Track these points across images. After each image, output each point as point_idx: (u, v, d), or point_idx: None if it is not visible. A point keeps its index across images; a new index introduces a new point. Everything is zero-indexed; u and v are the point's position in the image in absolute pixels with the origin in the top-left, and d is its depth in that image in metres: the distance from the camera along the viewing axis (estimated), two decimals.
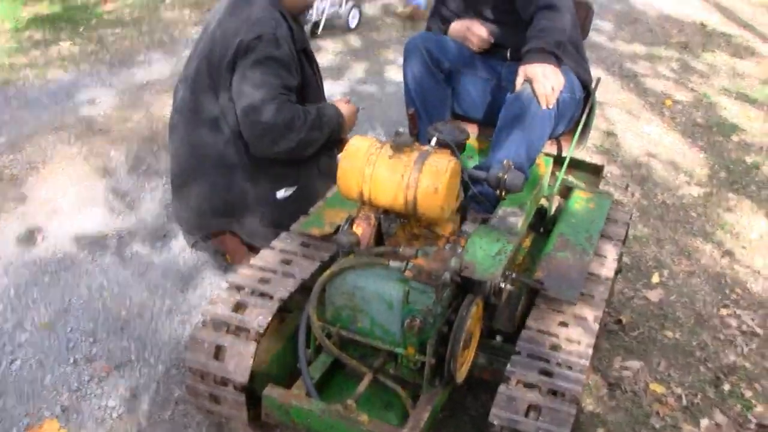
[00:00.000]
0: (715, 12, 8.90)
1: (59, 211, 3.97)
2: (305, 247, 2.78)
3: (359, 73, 6.08)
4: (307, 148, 3.18)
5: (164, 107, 5.06)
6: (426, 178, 2.37)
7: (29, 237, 3.75)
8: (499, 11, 3.30)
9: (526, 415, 2.15)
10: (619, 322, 3.46)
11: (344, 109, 3.33)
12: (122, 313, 3.31)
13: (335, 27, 6.79)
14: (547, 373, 2.26)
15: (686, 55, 7.27)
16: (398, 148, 2.43)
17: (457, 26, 3.41)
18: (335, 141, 3.32)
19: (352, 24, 6.79)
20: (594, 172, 3.56)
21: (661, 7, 8.80)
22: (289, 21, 3.18)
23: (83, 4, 6.96)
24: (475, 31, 3.33)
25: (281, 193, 3.25)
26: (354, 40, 6.76)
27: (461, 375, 2.44)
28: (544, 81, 2.91)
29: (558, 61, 2.99)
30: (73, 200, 4.06)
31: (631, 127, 5.53)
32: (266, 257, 2.73)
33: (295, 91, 3.16)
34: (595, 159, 4.84)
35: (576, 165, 3.56)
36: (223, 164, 3.21)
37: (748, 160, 5.21)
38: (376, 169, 2.43)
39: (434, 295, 2.29)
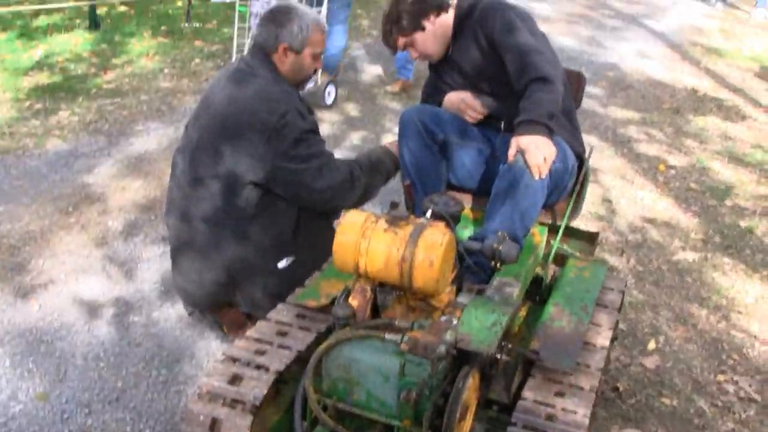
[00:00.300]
0: (705, 77, 9.02)
1: (56, 280, 3.98)
2: (301, 318, 2.78)
3: (356, 141, 6.14)
4: (372, 192, 3.42)
5: (162, 176, 5.12)
6: (421, 252, 2.39)
7: (26, 306, 3.75)
8: (493, 83, 3.35)
9: None
10: (616, 389, 3.45)
11: (391, 147, 3.54)
12: (118, 384, 3.30)
13: (311, 103, 6.85)
14: None
15: (678, 119, 7.36)
16: (393, 221, 2.46)
17: (452, 98, 3.45)
18: (333, 210, 3.39)
19: (328, 101, 6.73)
20: (589, 240, 3.58)
21: (652, 74, 8.93)
22: (296, 94, 3.28)
23: (83, 74, 7.05)
24: (469, 103, 3.38)
25: (282, 264, 3.25)
26: (352, 109, 6.84)
27: None
28: (535, 152, 2.94)
29: (550, 132, 3.02)
30: (69, 269, 4.08)
31: (625, 193, 5.58)
32: (262, 329, 2.73)
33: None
34: (591, 226, 4.88)
35: (571, 233, 3.58)
36: (222, 237, 3.22)
37: (742, 224, 5.25)
38: (371, 243, 2.45)
39: (430, 367, 2.29)
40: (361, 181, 3.29)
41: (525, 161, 2.97)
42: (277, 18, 3.26)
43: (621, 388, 3.46)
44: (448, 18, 3.37)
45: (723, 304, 4.27)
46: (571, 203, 3.39)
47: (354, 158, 3.35)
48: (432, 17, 3.32)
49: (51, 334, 3.58)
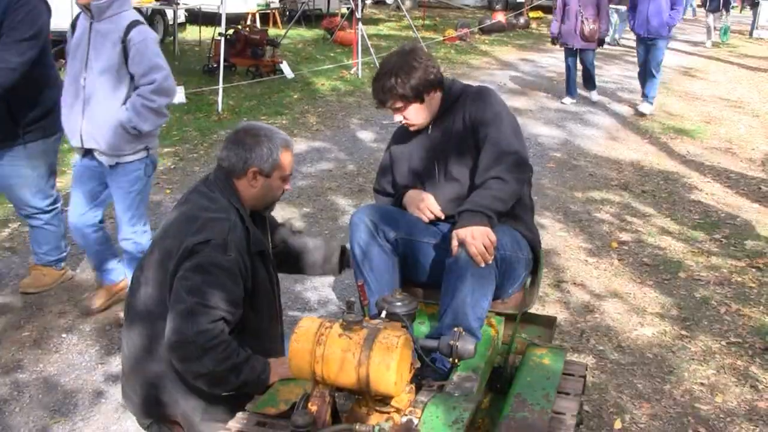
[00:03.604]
0: (652, 152, 9.24)
1: None
2: (261, 426, 2.71)
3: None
4: (216, 384, 2.92)
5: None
6: (377, 356, 2.36)
7: None
8: (461, 167, 3.38)
9: None
10: None
11: (279, 370, 2.99)
12: None
13: None
14: None
15: (627, 195, 7.49)
16: (348, 326, 2.43)
17: (413, 195, 3.47)
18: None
19: None
20: (547, 324, 3.59)
21: (598, 151, 9.14)
22: (246, 222, 3.08)
23: None
24: (429, 205, 3.40)
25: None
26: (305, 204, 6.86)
27: None
28: (473, 242, 2.96)
29: (489, 221, 3.05)
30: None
31: (579, 273, 5.62)
32: None
33: (240, 303, 2.98)
34: (548, 308, 4.90)
35: (529, 319, 3.59)
36: (161, 356, 3.03)
37: (698, 295, 5.31)
38: (327, 349, 2.41)
39: None
40: (215, 364, 2.84)
41: (467, 252, 2.99)
42: (245, 141, 3.10)
43: None
44: (439, 95, 3.42)
45: (685, 377, 4.28)
46: (531, 291, 3.42)
47: (238, 347, 2.92)
48: (432, 92, 3.37)
49: None
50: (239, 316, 2.97)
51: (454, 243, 3.04)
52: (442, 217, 3.41)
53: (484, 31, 20.58)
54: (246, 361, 2.93)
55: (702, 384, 4.22)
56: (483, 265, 2.99)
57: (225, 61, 11.06)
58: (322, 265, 3.67)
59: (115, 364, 4.13)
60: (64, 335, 4.50)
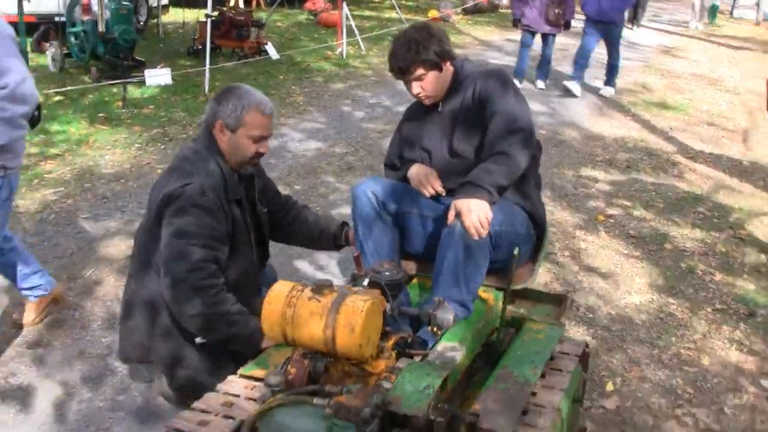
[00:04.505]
0: (635, 129, 9.39)
1: None
2: (249, 389, 2.81)
3: None
4: (206, 330, 3.08)
5: (114, 261, 5.16)
6: (342, 318, 2.44)
7: None
8: (469, 145, 3.48)
9: None
10: (583, 430, 3.54)
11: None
12: None
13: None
14: None
15: (612, 171, 7.63)
16: (318, 290, 2.53)
17: (418, 170, 3.55)
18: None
19: None
20: (557, 303, 3.69)
21: (583, 129, 9.27)
22: (225, 172, 3.22)
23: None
24: (431, 181, 3.49)
25: (198, 339, 3.21)
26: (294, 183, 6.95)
27: None
28: (469, 214, 3.06)
29: (489, 196, 3.15)
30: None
31: (568, 246, 5.75)
32: (209, 400, 2.76)
33: (225, 239, 3.14)
34: (538, 280, 5.01)
35: (538, 298, 3.71)
36: (152, 304, 3.21)
37: (683, 265, 5.45)
38: (296, 311, 2.51)
39: (356, 430, 2.33)
40: (206, 307, 3.01)
41: (462, 224, 3.10)
42: (219, 96, 3.28)
43: (587, 431, 3.56)
44: (452, 70, 3.51)
45: (672, 342, 4.42)
46: (530, 266, 3.52)
47: (231, 297, 3.10)
48: (447, 63, 3.47)
49: None
50: (227, 254, 3.13)
51: (451, 213, 3.14)
52: (443, 193, 3.49)
53: (467, 11, 20.64)
54: (239, 314, 3.07)
55: (689, 348, 4.36)
56: (477, 238, 3.09)
57: (210, 42, 11.10)
58: (319, 238, 3.78)
59: None
60: None
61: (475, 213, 3.06)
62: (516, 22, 11.25)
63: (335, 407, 2.34)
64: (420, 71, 3.42)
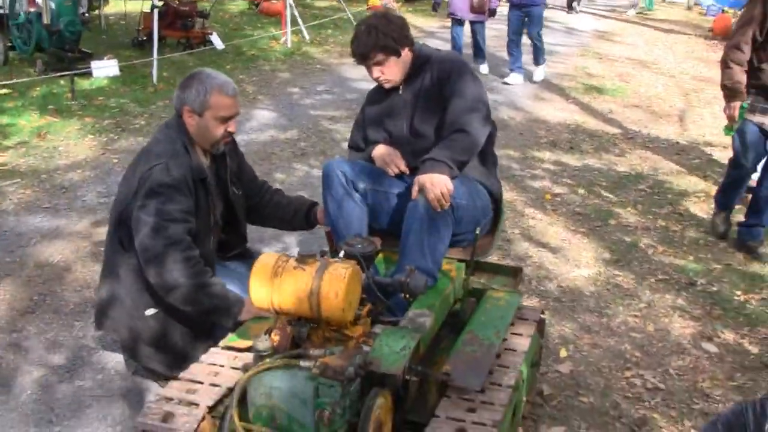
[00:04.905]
0: (576, 111, 9.69)
1: None
2: (233, 359, 3.01)
3: None
4: (187, 301, 3.26)
5: (78, 249, 5.26)
6: (326, 285, 2.65)
7: None
8: (429, 126, 3.70)
9: None
10: (540, 393, 3.78)
11: (253, 309, 3.13)
12: None
13: None
14: None
15: (557, 152, 7.90)
16: (302, 260, 2.74)
17: (381, 150, 3.77)
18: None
19: None
20: (513, 274, 3.94)
21: (527, 111, 9.55)
22: (191, 153, 3.42)
23: None
24: (395, 160, 3.71)
25: (149, 312, 3.43)
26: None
27: None
28: (431, 188, 3.29)
29: (450, 170, 3.38)
30: None
31: (517, 223, 5.99)
32: (194, 370, 2.96)
33: (193, 212, 3.35)
34: (490, 257, 5.25)
35: (496, 270, 3.96)
36: (107, 268, 3.55)
37: (627, 239, 5.73)
38: (282, 280, 2.71)
39: (341, 388, 2.54)
40: (186, 278, 3.20)
41: (425, 197, 3.31)
42: (183, 82, 3.48)
43: (544, 393, 3.80)
44: (410, 55, 3.72)
45: (620, 311, 4.69)
46: (490, 238, 3.75)
47: (208, 271, 3.32)
48: (407, 49, 3.67)
49: None
50: (195, 227, 3.34)
51: (415, 188, 3.36)
52: (407, 171, 3.71)
53: (407, 0, 20.81)
54: (218, 286, 3.27)
55: (635, 316, 4.63)
56: (439, 210, 3.31)
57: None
58: (292, 219, 3.97)
59: None
60: None
61: (437, 186, 3.28)
62: (435, 7, 11.37)
63: (321, 368, 2.54)
64: (380, 56, 3.62)
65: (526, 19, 10.87)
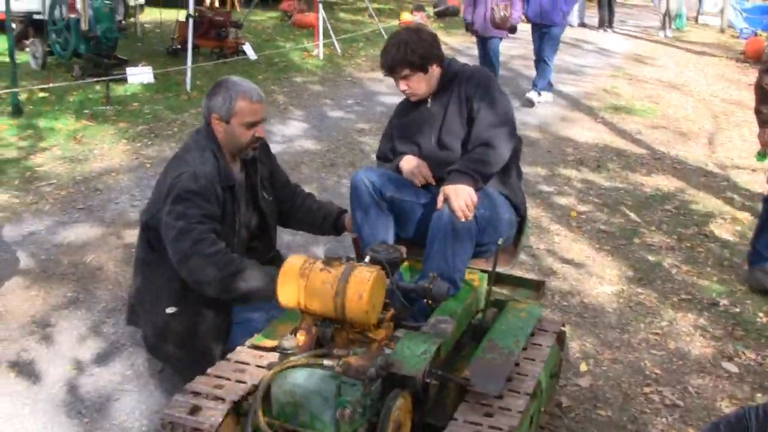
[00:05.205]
0: (604, 131, 9.74)
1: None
2: (258, 358, 3.11)
3: None
4: (226, 291, 3.35)
5: (112, 250, 5.38)
6: (351, 287, 2.76)
7: None
8: (455, 140, 3.81)
9: None
10: (559, 405, 3.84)
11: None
12: None
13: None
14: None
15: (583, 170, 7.95)
16: (328, 262, 2.85)
17: (410, 161, 3.86)
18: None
19: None
20: (536, 288, 4.01)
21: (555, 131, 9.59)
22: (219, 159, 3.54)
23: (13, 159, 7.23)
24: (423, 172, 3.82)
25: (170, 310, 3.54)
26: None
27: None
28: (456, 198, 3.40)
29: (474, 182, 3.48)
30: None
31: (542, 239, 6.05)
32: (221, 367, 3.05)
33: (218, 218, 3.47)
34: (514, 271, 5.31)
35: (519, 283, 4.04)
36: (137, 267, 3.75)
37: (651, 258, 5.77)
38: (309, 281, 2.82)
39: (362, 388, 2.62)
40: (218, 271, 3.30)
41: (449, 207, 3.39)
42: (211, 91, 3.62)
43: (563, 405, 3.85)
44: (439, 71, 3.83)
45: (641, 328, 4.73)
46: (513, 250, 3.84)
47: (238, 255, 3.43)
48: (435, 65, 3.78)
49: None
50: (221, 231, 3.46)
51: (440, 198, 3.46)
52: (433, 182, 3.80)
53: (438, 15, 20.93)
54: (250, 269, 3.37)
55: (657, 334, 4.68)
56: (463, 220, 3.40)
57: None
58: (321, 224, 4.07)
59: None
60: None
61: (462, 197, 3.38)
62: (468, 26, 10.78)
63: (344, 367, 2.63)
64: (406, 71, 3.74)
65: (543, 38, 10.73)
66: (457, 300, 3.42)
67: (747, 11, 21.18)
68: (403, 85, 3.80)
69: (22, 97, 9.17)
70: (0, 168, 6.96)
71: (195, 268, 3.32)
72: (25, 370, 3.99)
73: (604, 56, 16.16)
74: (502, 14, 10.19)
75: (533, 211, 6.63)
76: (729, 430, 2.40)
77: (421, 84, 3.78)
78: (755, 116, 5.20)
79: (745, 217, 6.79)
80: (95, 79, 10.14)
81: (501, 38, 10.65)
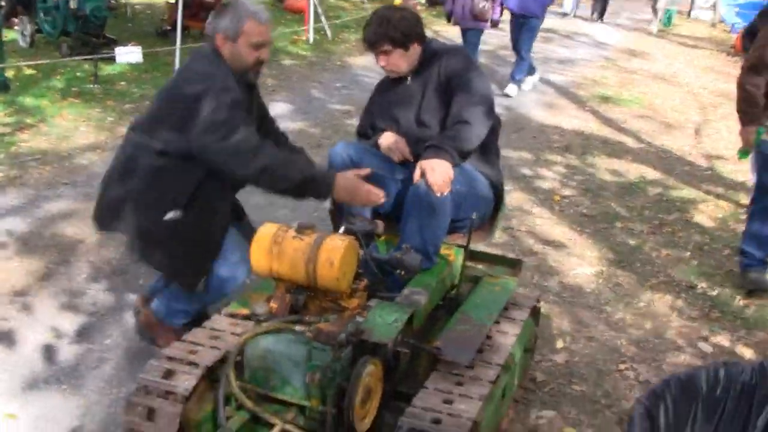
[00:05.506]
0: (591, 119, 9.78)
1: None
2: (233, 326, 3.14)
3: None
4: (280, 179, 3.38)
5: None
6: (323, 253, 2.80)
7: None
8: (434, 118, 3.83)
9: None
10: (534, 380, 3.88)
11: (342, 182, 3.44)
12: (82, 402, 3.57)
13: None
14: (437, 421, 2.62)
15: (569, 156, 7.99)
16: (301, 230, 2.89)
17: (388, 138, 3.88)
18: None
19: None
20: (512, 266, 4.03)
21: (542, 117, 9.63)
22: (234, 77, 3.51)
23: (0, 134, 7.22)
24: (400, 147, 3.83)
25: (168, 216, 3.48)
26: None
27: (362, 426, 2.75)
28: (432, 173, 3.41)
29: (452, 158, 3.49)
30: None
31: (524, 222, 6.08)
32: (196, 334, 3.09)
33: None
34: (495, 251, 5.35)
35: (495, 261, 4.07)
36: (136, 174, 3.56)
37: (632, 242, 5.82)
38: (282, 248, 2.86)
39: (332, 353, 2.65)
40: (262, 160, 3.34)
41: (426, 182, 3.42)
42: (217, 12, 3.61)
43: (538, 379, 3.89)
44: (419, 49, 3.85)
45: (619, 308, 4.78)
46: (489, 226, 3.88)
47: (280, 150, 3.53)
48: (416, 44, 3.80)
49: None
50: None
51: (417, 172, 3.48)
52: (411, 159, 3.82)
53: (431, 3, 20.88)
54: (305, 161, 3.53)
55: (634, 314, 4.72)
56: (439, 194, 3.42)
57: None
58: None
59: None
60: None
61: (438, 172, 3.40)
62: (448, 16, 10.58)
63: (315, 332, 2.67)
64: (387, 47, 3.76)
65: (522, 29, 10.53)
66: (431, 273, 3.46)
67: (740, 6, 21.22)
68: (383, 61, 3.81)
69: (9, 74, 9.13)
70: None
71: (246, 160, 3.32)
72: (5, 337, 4.01)
73: (595, 48, 16.19)
74: (481, 6, 10.01)
75: (517, 195, 6.67)
76: (679, 388, 2.44)
77: (401, 61, 3.80)
78: (737, 115, 5.20)
79: (727, 204, 6.85)
80: (83, 58, 10.10)
81: (481, 30, 10.43)
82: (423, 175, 3.44)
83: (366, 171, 3.54)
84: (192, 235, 3.51)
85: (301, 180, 3.39)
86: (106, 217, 3.69)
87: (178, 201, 3.48)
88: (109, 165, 3.73)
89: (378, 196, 3.47)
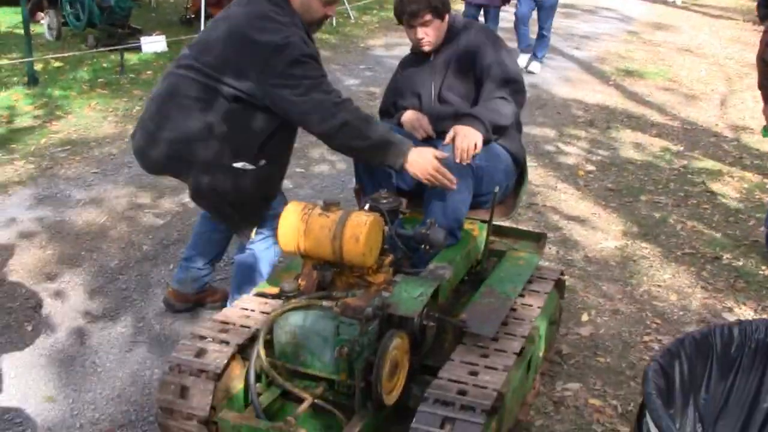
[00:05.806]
0: (615, 93, 9.74)
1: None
2: (263, 304, 3.22)
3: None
4: (356, 136, 3.35)
5: (126, 210, 5.50)
6: (349, 230, 2.86)
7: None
8: (457, 95, 3.87)
9: (442, 426, 2.56)
10: (559, 353, 3.93)
11: (417, 154, 3.41)
12: (117, 383, 3.66)
13: None
14: (463, 393, 2.67)
15: (593, 131, 7.99)
16: (327, 207, 2.96)
17: (410, 115, 3.94)
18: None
19: None
20: (536, 240, 4.10)
21: (566, 93, 9.61)
22: (305, 29, 3.51)
23: (29, 127, 7.34)
24: (423, 125, 3.88)
25: (238, 164, 3.48)
26: None
27: (390, 399, 2.81)
28: (462, 139, 3.45)
29: (486, 130, 3.53)
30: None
31: (549, 197, 6.12)
32: (227, 312, 3.17)
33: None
34: (520, 226, 5.39)
35: (520, 235, 4.14)
36: (194, 115, 3.45)
37: (656, 215, 5.83)
38: (308, 225, 2.93)
39: (360, 327, 2.72)
40: (343, 115, 3.32)
41: (453, 146, 3.46)
42: None
43: (563, 352, 3.94)
44: (446, 24, 3.88)
45: (644, 281, 4.81)
46: (512, 201, 3.94)
47: (368, 114, 3.48)
48: (447, 15, 3.84)
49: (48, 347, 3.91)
50: None
51: (450, 134, 3.52)
52: (434, 136, 3.87)
53: None
54: (380, 125, 3.49)
55: (659, 286, 4.75)
56: (459, 161, 3.45)
57: (204, 11, 11.37)
58: None
59: None
60: None
61: (468, 139, 3.44)
62: None
63: (342, 307, 2.73)
64: (428, 17, 3.77)
65: (537, 4, 10.27)
66: (456, 248, 3.51)
67: None
68: (421, 33, 3.81)
69: (38, 67, 9.26)
70: (16, 135, 7.09)
71: (329, 114, 3.31)
72: (41, 323, 4.13)
73: (618, 21, 16.04)
74: None
75: (541, 170, 6.70)
76: (694, 346, 2.48)
77: (437, 32, 3.83)
78: (760, 91, 5.16)
79: (753, 175, 6.83)
80: (109, 49, 10.23)
81: (497, 8, 10.31)
82: (454, 138, 3.48)
83: (444, 155, 3.47)
84: (257, 185, 3.55)
85: (378, 140, 3.39)
86: (173, 162, 3.58)
87: (250, 150, 3.48)
88: (156, 100, 3.59)
89: (452, 181, 3.42)
